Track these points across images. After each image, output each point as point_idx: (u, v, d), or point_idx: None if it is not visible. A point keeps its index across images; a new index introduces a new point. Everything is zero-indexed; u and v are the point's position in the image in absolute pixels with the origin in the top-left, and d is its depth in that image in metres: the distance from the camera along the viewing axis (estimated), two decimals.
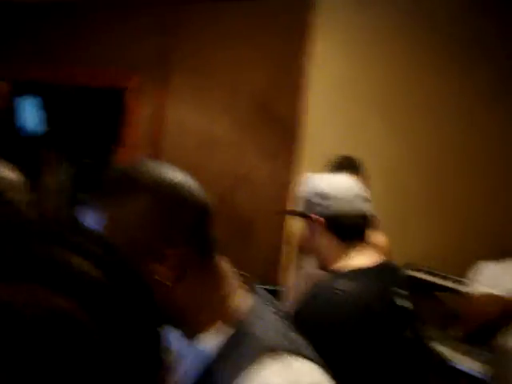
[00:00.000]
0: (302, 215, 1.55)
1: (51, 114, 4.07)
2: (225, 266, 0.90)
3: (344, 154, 2.54)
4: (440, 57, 3.11)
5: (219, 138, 3.10)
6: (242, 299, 0.87)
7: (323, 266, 1.55)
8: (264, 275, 3.19)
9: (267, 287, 3.37)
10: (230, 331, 0.83)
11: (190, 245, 0.83)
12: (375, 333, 1.34)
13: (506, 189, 3.28)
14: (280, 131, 3.11)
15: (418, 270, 2.80)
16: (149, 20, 3.12)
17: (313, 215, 1.50)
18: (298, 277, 2.56)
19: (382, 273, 1.46)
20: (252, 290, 0.91)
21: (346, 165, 2.41)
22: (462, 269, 3.03)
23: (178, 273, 0.82)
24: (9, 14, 3.38)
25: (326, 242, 1.52)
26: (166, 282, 0.81)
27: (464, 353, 2.71)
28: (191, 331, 0.86)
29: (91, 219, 0.81)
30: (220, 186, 3.13)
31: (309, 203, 1.52)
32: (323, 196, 1.51)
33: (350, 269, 1.44)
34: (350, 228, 1.52)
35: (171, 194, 0.83)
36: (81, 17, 3.25)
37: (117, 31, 3.17)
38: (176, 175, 0.86)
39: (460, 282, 2.99)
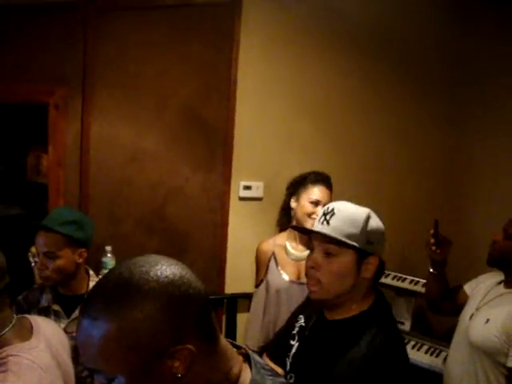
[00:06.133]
0: (358, 249, 1.46)
1: None
2: (224, 343, 0.95)
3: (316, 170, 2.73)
4: (368, 55, 3.26)
5: (149, 151, 3.07)
6: (244, 373, 0.94)
7: (336, 304, 1.50)
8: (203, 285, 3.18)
9: (211, 297, 3.37)
10: None
11: (198, 336, 0.86)
12: None
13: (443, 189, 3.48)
14: (211, 141, 3.12)
15: None
16: (68, 30, 3.03)
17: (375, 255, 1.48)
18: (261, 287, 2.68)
19: None
20: (248, 360, 0.98)
21: (321, 179, 2.63)
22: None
23: (189, 363, 0.84)
24: None
25: (364, 282, 1.49)
26: (178, 374, 0.83)
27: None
28: None
29: (96, 330, 0.82)
30: (153, 200, 3.10)
31: (372, 240, 1.48)
32: (382, 236, 1.52)
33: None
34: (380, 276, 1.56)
35: (175, 294, 0.85)
36: None
37: (34, 44, 3.05)
38: (173, 270, 0.87)
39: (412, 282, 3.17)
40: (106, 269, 2.65)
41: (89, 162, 3.04)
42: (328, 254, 1.46)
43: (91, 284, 2.15)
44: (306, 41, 3.18)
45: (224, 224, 3.16)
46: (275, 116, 3.20)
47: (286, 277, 2.55)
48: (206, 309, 0.90)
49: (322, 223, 1.47)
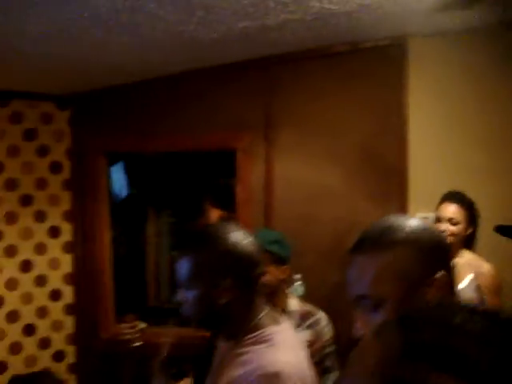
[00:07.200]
0: None
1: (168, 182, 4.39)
2: None
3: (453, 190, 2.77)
4: None
5: (328, 188, 3.24)
6: None
7: None
8: None
9: None
10: None
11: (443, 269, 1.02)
12: None
13: None
14: (387, 177, 3.21)
15: None
16: (252, 82, 3.39)
17: None
18: None
19: None
20: None
21: (449, 196, 2.69)
22: None
23: (442, 291, 0.98)
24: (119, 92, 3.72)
25: None
26: (431, 301, 0.96)
27: None
28: None
29: (372, 262, 1.02)
30: (333, 232, 3.23)
31: None
32: None
33: None
34: None
35: (431, 235, 1.06)
36: (184, 86, 3.54)
37: (222, 96, 3.45)
38: (423, 222, 1.09)
39: None
40: (293, 295, 2.79)
41: (273, 200, 3.29)
42: None
43: (289, 301, 2.30)
44: (478, 73, 3.19)
45: None
46: (449, 149, 3.20)
47: None
48: None
49: None
